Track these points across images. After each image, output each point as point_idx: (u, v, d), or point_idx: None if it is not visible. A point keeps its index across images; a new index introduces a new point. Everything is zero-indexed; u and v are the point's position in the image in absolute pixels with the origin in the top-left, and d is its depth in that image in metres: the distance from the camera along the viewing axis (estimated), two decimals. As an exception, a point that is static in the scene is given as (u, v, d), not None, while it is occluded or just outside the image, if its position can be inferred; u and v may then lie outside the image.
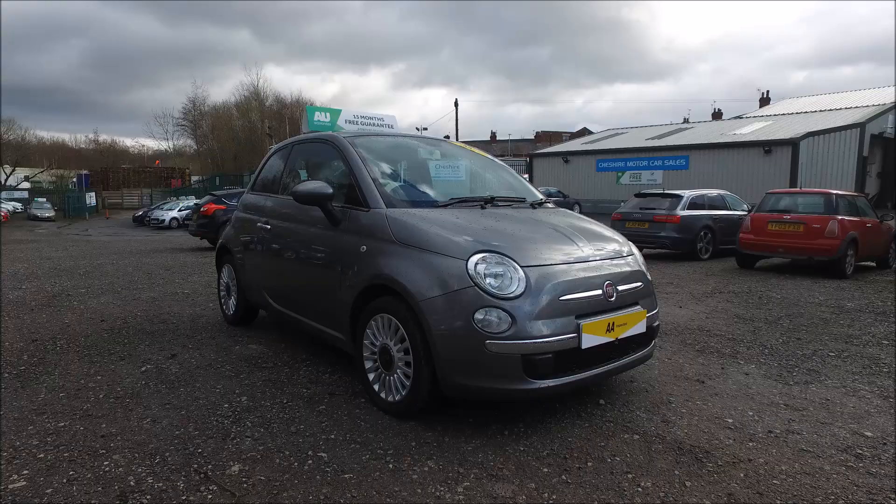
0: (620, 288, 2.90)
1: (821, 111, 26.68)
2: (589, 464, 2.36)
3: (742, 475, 2.26)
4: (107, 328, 4.66)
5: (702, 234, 10.75)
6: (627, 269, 3.04)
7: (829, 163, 21.85)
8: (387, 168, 3.48)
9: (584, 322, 2.65)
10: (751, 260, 9.67)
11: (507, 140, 64.49)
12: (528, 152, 38.79)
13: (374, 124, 4.73)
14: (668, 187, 20.65)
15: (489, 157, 4.33)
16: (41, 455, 2.42)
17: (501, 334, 2.49)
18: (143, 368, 3.59)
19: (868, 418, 2.87)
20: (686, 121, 38.24)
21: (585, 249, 2.96)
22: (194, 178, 48.70)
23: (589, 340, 2.65)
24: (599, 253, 3.01)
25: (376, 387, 2.97)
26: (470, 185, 3.89)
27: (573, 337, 2.60)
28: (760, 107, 37.12)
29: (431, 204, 3.22)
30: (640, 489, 2.15)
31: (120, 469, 2.29)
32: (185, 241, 15.46)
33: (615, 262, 3.03)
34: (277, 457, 2.40)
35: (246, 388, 3.25)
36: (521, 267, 2.63)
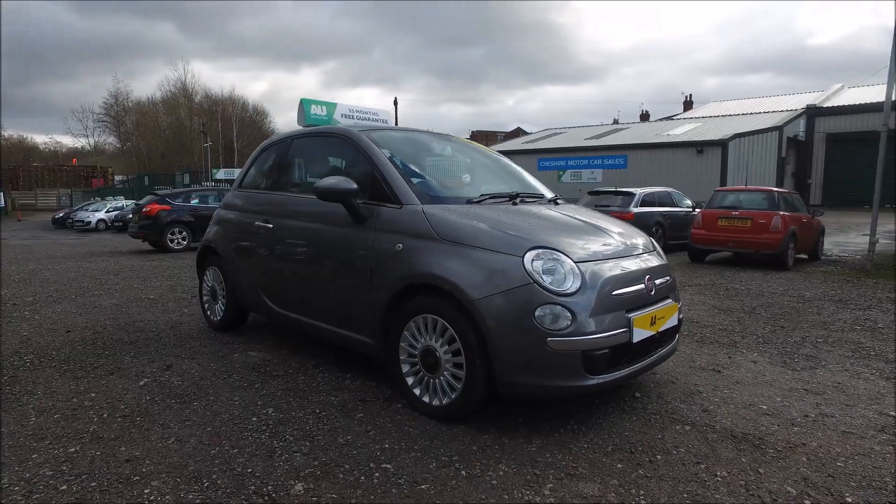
0: (657, 281, 2.94)
1: (743, 114, 28.64)
2: (658, 457, 2.36)
3: (805, 459, 2.34)
4: (78, 339, 4.22)
5: (654, 230, 11.22)
6: (658, 262, 3.10)
7: (753, 162, 23.49)
8: (409, 163, 3.35)
9: (633, 316, 2.66)
10: (702, 254, 10.20)
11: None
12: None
13: (369, 119, 4.55)
14: (608, 186, 21.46)
15: (494, 153, 4.29)
16: (63, 487, 2.13)
17: (563, 331, 2.45)
18: (141, 382, 3.27)
19: (883, 399, 3.06)
20: (616, 121, 39.84)
21: (622, 244, 2.99)
22: (118, 177, 45.41)
23: (638, 334, 2.67)
24: (635, 247, 3.04)
25: (417, 391, 2.85)
26: (489, 181, 3.82)
27: (625, 331, 2.60)
28: (685, 109, 39.28)
29: (464, 200, 3.14)
30: (719, 479, 2.18)
31: (167, 497, 2.06)
32: (121, 244, 14.39)
33: (649, 255, 3.08)
34: (339, 471, 2.24)
35: (267, 398, 3.02)
36: (574, 263, 2.61)
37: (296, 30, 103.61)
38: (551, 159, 28.89)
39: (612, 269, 2.74)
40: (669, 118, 34.32)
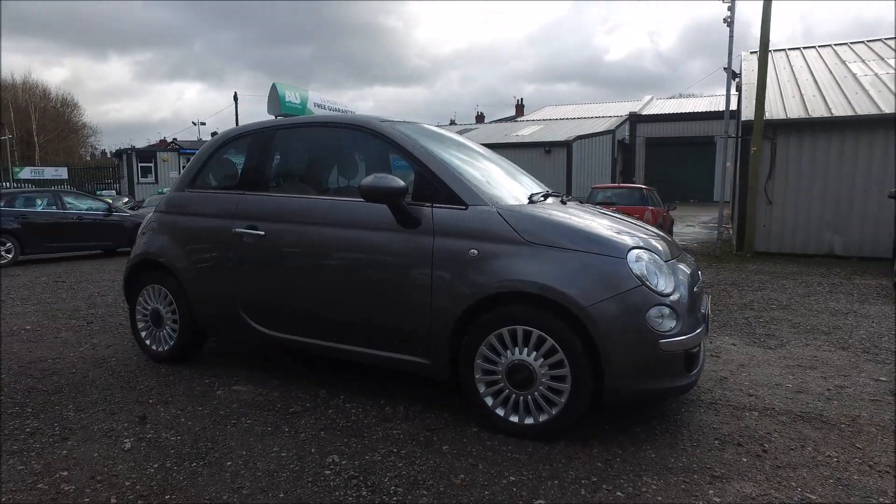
0: (699, 274, 3.07)
1: (578, 118, 31.85)
2: (766, 445, 2.43)
3: (874, 430, 2.60)
4: (-33, 397, 3.08)
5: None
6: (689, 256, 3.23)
7: (593, 162, 26.26)
8: (454, 160, 3.02)
9: (703, 311, 2.73)
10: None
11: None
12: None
13: (340, 111, 4.06)
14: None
15: (485, 149, 4.10)
16: None
17: (671, 332, 2.41)
18: (126, 446, 2.48)
19: (862, 368, 3.56)
20: (452, 122, 41.52)
21: (666, 241, 3.04)
22: None
23: (706, 328, 2.75)
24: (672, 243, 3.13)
25: (501, 411, 2.59)
26: (506, 179, 3.61)
27: (704, 327, 2.65)
28: (517, 113, 42.10)
29: (525, 198, 2.93)
30: (834, 459, 2.31)
31: None
32: None
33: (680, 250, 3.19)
34: (493, 518, 1.92)
35: (312, 442, 2.50)
36: (665, 262, 2.58)
37: (99, 12, 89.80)
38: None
39: (684, 266, 2.78)
40: (511, 119, 36.77)
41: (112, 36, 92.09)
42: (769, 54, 12.63)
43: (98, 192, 24.44)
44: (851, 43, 14.30)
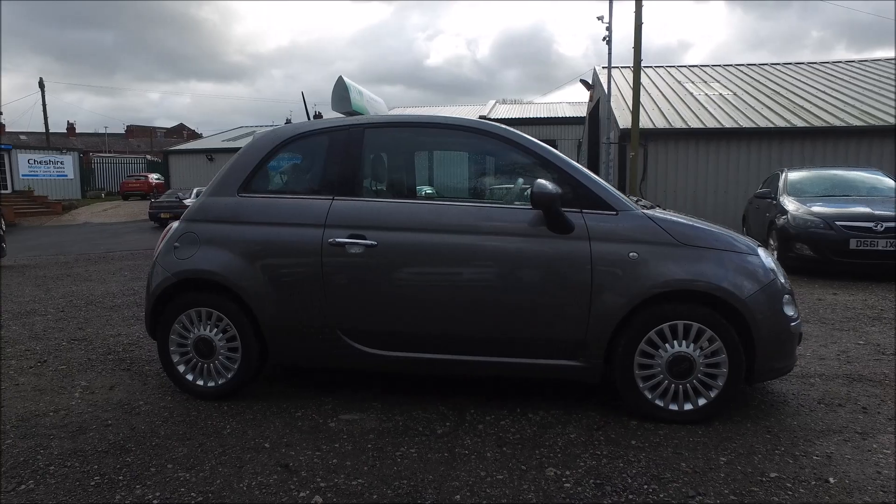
0: None
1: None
2: (860, 417, 2.94)
3: (909, 381, 3.31)
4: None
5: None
6: None
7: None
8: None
9: None
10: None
11: (101, 134, 53.63)
12: (162, 149, 34.02)
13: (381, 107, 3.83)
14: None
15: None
16: None
17: (795, 317, 2.82)
18: (317, 501, 2.11)
19: (835, 336, 4.43)
20: (289, 121, 40.24)
21: None
22: None
23: None
24: None
25: (660, 402, 2.75)
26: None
27: (790, 311, 3.13)
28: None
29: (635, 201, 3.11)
30: (912, 406, 2.92)
31: None
32: None
33: None
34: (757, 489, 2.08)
35: (508, 460, 2.41)
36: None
37: None
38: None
39: None
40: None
41: None
42: (616, 70, 14.53)
43: None
44: (678, 66, 17.13)
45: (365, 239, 2.87)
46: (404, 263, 2.87)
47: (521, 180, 3.10)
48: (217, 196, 3.18)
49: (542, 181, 2.65)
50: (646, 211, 2.84)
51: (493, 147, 3.04)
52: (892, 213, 6.59)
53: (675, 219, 2.86)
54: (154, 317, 3.15)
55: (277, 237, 2.99)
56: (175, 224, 3.25)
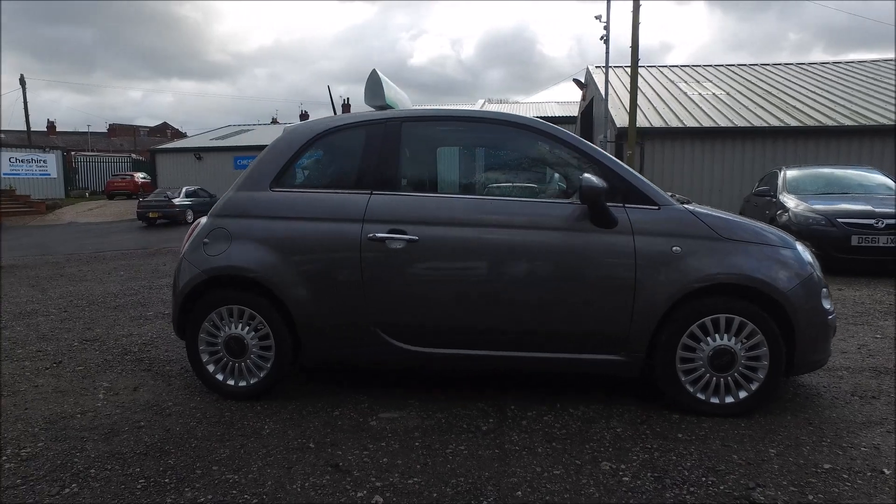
0: None
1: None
2: (892, 395, 3.00)
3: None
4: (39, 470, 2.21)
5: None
6: None
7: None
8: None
9: None
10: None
11: (83, 132, 52.61)
12: (147, 148, 33.59)
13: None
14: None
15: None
16: None
17: (831, 310, 2.84)
18: (377, 501, 2.07)
19: (852, 330, 4.49)
20: (275, 121, 39.78)
21: None
22: None
23: None
24: None
25: (701, 395, 2.76)
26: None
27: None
28: (344, 110, 41.96)
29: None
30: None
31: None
32: None
33: None
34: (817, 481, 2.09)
35: (561, 455, 2.39)
36: None
37: None
38: (250, 157, 27.47)
39: None
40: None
41: None
42: (611, 70, 14.62)
43: None
44: (670, 66, 17.30)
45: (406, 234, 2.83)
46: (446, 258, 2.83)
47: (558, 175, 3.09)
48: (247, 191, 3.11)
49: (589, 175, 2.64)
50: (686, 206, 2.84)
51: (534, 142, 3.02)
52: (892, 211, 6.71)
53: (715, 213, 2.87)
54: (182, 315, 3.07)
55: (314, 233, 2.94)
56: (203, 220, 3.18)
